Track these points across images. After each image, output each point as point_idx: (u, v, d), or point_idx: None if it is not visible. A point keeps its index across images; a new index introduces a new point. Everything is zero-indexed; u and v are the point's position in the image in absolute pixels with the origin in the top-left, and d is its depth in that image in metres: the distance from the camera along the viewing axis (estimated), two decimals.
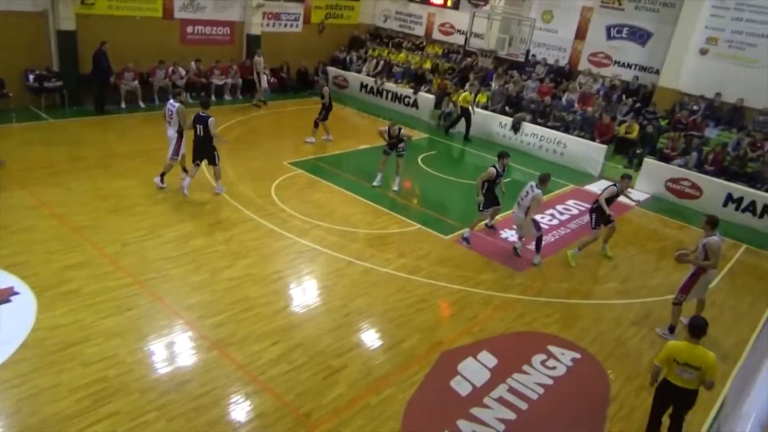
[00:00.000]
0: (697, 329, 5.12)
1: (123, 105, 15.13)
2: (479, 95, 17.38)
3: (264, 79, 17.32)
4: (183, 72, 16.32)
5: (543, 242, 9.46)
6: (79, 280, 7.29)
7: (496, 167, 9.67)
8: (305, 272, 8.38)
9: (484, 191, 9.72)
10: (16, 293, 6.87)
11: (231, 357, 6.29)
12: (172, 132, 10.29)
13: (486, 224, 10.52)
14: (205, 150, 10.17)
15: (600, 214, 9.42)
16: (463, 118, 16.40)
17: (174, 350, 6.33)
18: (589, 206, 11.90)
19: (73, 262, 7.66)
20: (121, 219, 9.08)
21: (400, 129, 11.50)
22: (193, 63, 16.66)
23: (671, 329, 7.77)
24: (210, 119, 9.86)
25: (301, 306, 7.54)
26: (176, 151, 10.35)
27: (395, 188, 11.80)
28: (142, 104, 15.46)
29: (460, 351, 6.91)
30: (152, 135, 13.30)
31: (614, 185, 9.39)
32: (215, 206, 10.01)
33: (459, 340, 7.12)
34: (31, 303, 6.73)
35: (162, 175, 10.37)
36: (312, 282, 8.21)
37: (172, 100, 10.33)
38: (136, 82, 15.30)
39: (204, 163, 10.37)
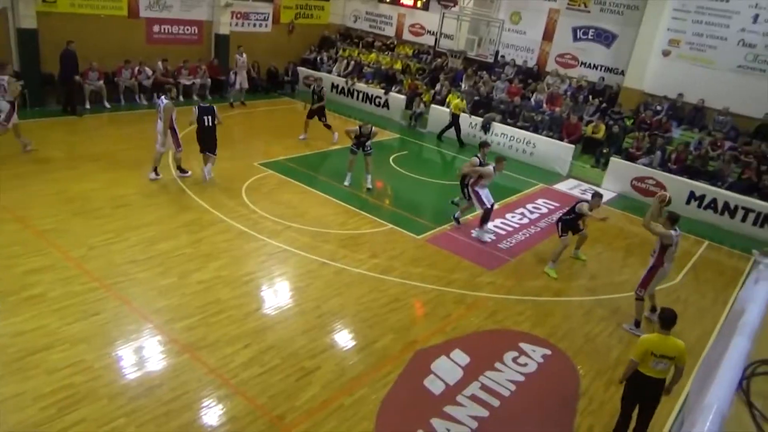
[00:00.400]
0: (668, 321, 5.35)
1: (87, 105, 14.77)
2: (450, 96, 17.49)
3: (238, 79, 17.14)
4: (149, 72, 16.02)
5: (514, 241, 9.59)
6: (43, 284, 7.09)
7: (478, 156, 10.19)
8: (277, 274, 8.32)
9: (467, 181, 10.27)
10: None
11: (202, 360, 6.20)
12: (159, 125, 10.53)
13: (454, 215, 10.70)
14: (211, 140, 10.83)
15: (565, 223, 9.39)
16: (454, 124, 16.21)
17: (143, 355, 6.21)
18: (557, 205, 12.12)
19: (37, 267, 7.45)
20: (86, 222, 8.87)
21: (371, 128, 11.58)
22: (159, 63, 16.36)
23: (637, 324, 7.96)
24: (215, 108, 10.75)
25: (274, 308, 7.48)
26: (178, 143, 10.72)
27: (369, 186, 11.87)
28: (107, 104, 15.12)
29: (433, 350, 6.94)
30: (118, 136, 13.07)
31: (586, 202, 9.33)
32: (184, 208, 9.85)
33: (432, 339, 7.16)
34: None
35: (179, 168, 11.05)
36: (284, 283, 8.15)
37: (162, 97, 10.59)
38: (101, 81, 14.96)
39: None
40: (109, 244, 8.29)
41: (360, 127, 11.54)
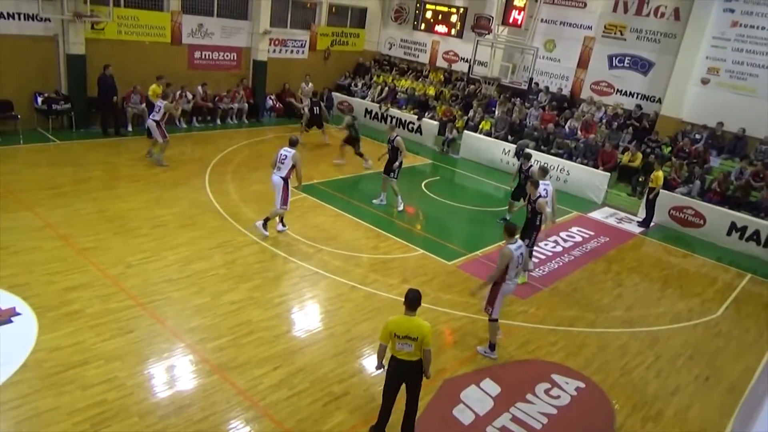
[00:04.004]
0: (413, 301, 5.32)
1: (129, 128, 15.25)
2: (483, 122, 17.53)
3: (305, 105, 17.59)
4: (190, 96, 16.50)
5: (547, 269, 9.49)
6: (81, 301, 7.27)
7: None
8: (308, 296, 8.35)
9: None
10: (18, 314, 6.85)
11: (232, 381, 6.23)
12: (276, 178, 9.73)
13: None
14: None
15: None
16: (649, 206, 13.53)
17: (174, 374, 6.27)
18: (592, 233, 11.94)
19: (76, 284, 7.65)
20: (125, 241, 9.10)
21: (396, 135, 11.80)
22: (199, 87, 16.86)
23: (491, 347, 7.43)
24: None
25: (304, 330, 7.49)
26: (285, 200, 9.83)
27: (399, 209, 12.03)
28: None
29: (462, 378, 6.83)
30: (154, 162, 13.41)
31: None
32: (219, 229, 10.01)
33: (462, 368, 7.05)
34: (32, 324, 6.70)
35: (281, 221, 10.18)
36: (315, 306, 8.18)
37: (287, 147, 9.76)
38: (143, 105, 15.42)
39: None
40: (146, 263, 8.47)
41: (388, 135, 11.92)
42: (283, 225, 10.19)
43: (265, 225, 9.92)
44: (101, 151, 13.53)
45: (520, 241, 7.18)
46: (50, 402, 5.56)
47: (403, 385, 5.56)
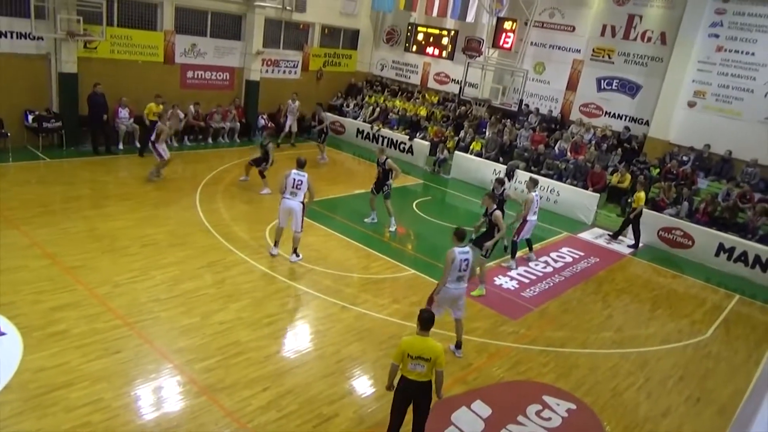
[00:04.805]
0: (426, 322, 5.36)
1: (120, 146, 15.20)
2: (474, 143, 17.67)
3: (289, 122, 18.04)
4: (182, 115, 16.51)
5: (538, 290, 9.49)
6: (68, 321, 7.17)
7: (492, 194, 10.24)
8: (298, 317, 8.30)
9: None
10: (3, 333, 6.74)
11: (220, 403, 6.14)
12: (295, 203, 9.53)
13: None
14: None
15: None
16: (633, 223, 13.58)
17: (161, 395, 6.18)
18: (582, 254, 11.95)
19: (63, 303, 7.55)
20: (113, 259, 9.01)
21: (386, 157, 11.87)
22: (191, 106, 16.88)
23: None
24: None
25: (293, 351, 7.42)
26: (302, 222, 9.72)
27: (391, 229, 11.99)
28: (138, 144, 15.47)
29: (453, 400, 6.78)
30: (146, 176, 13.37)
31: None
32: (209, 248, 9.95)
33: (452, 389, 6.99)
34: (17, 344, 6.59)
35: (294, 251, 9.89)
36: (305, 327, 8.12)
37: (297, 170, 9.55)
38: (132, 120, 15.33)
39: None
40: (134, 282, 8.39)
41: (377, 157, 12.00)
42: (276, 246, 10.16)
43: (296, 253, 9.88)
44: (91, 169, 13.46)
45: (468, 248, 7.30)
46: (33, 424, 5.45)
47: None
